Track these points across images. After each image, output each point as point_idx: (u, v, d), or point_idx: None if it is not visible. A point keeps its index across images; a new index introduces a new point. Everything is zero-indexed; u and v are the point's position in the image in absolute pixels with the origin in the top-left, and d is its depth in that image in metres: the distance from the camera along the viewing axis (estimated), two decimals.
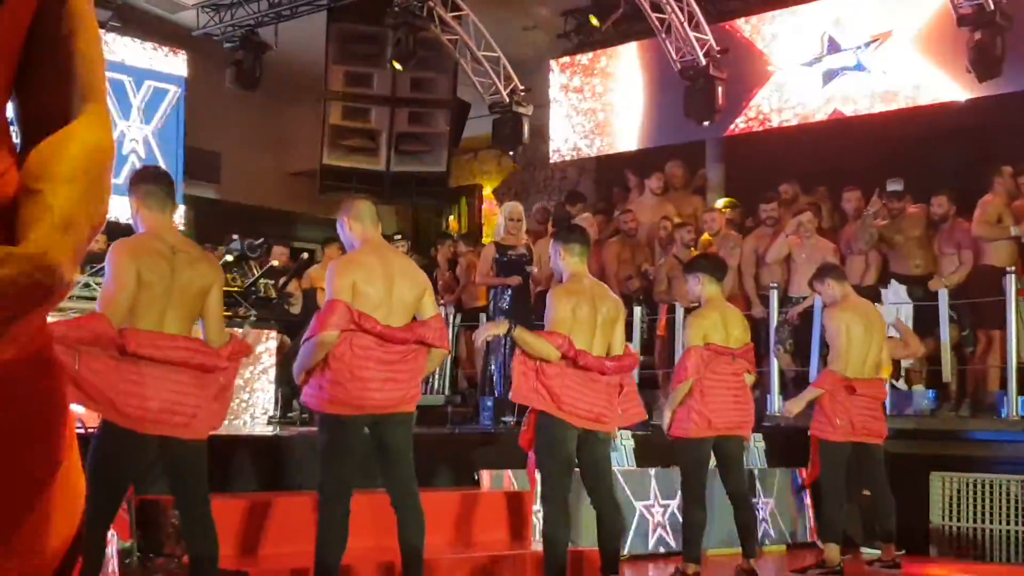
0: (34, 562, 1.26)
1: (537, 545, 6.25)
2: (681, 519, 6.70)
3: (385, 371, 4.98)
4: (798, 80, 11.20)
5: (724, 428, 6.54)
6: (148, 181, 4.74)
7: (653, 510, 7.58)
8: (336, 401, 4.92)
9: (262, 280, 9.32)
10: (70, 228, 1.24)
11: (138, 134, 12.08)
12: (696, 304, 7.07)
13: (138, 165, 11.20)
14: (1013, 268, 8.50)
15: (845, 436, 7.04)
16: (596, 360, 5.66)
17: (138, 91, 12.13)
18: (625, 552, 7.16)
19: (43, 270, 1.20)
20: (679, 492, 7.40)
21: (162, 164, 11.71)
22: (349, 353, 4.91)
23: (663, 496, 7.65)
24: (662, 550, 7.55)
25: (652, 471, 7.71)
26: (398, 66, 12.14)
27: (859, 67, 10.65)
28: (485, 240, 12.31)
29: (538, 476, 5.93)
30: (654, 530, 7.59)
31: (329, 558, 4.89)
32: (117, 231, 11.13)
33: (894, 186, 9.40)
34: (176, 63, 12.84)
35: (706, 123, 11.33)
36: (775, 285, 9.76)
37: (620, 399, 5.87)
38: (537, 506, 6.48)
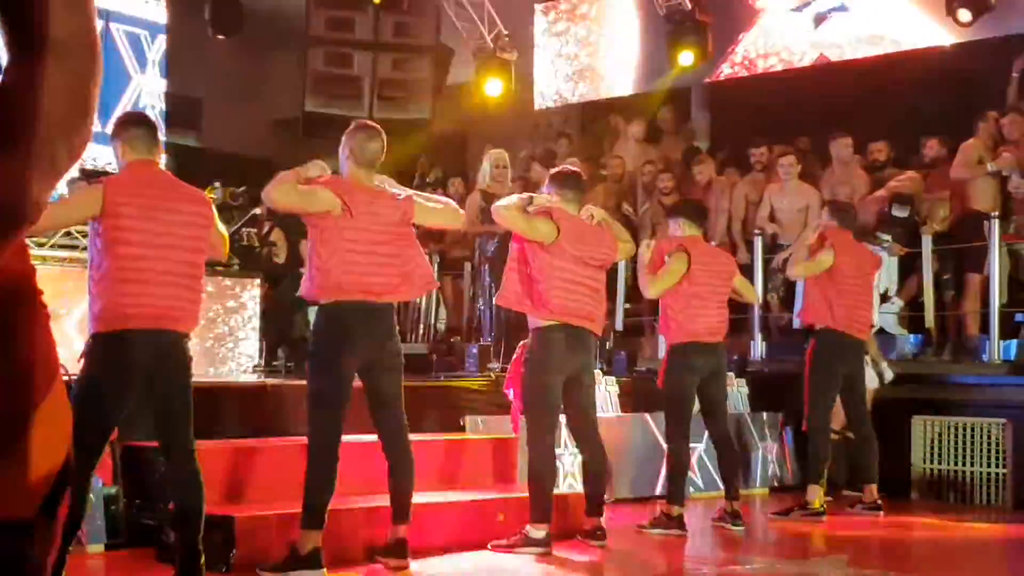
0: (17, 492, 1.26)
1: (522, 489, 6.29)
2: (664, 461, 6.74)
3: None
4: (784, 25, 11.13)
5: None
6: (133, 125, 4.71)
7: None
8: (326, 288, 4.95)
9: (245, 229, 9.28)
10: (47, 152, 1.22)
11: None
12: None
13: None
14: (996, 213, 8.51)
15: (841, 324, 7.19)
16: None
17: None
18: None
19: (15, 195, 1.18)
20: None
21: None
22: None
23: None
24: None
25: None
26: None
27: (842, 8, 10.56)
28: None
29: (523, 421, 5.96)
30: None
31: (317, 503, 4.91)
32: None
33: (900, 212, 9.12)
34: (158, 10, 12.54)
35: (689, 65, 11.26)
36: (759, 232, 9.77)
37: None
38: (522, 450, 6.52)
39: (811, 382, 7.29)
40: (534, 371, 5.75)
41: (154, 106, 11.33)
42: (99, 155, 10.70)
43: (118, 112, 11.06)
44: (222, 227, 4.86)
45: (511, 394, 5.99)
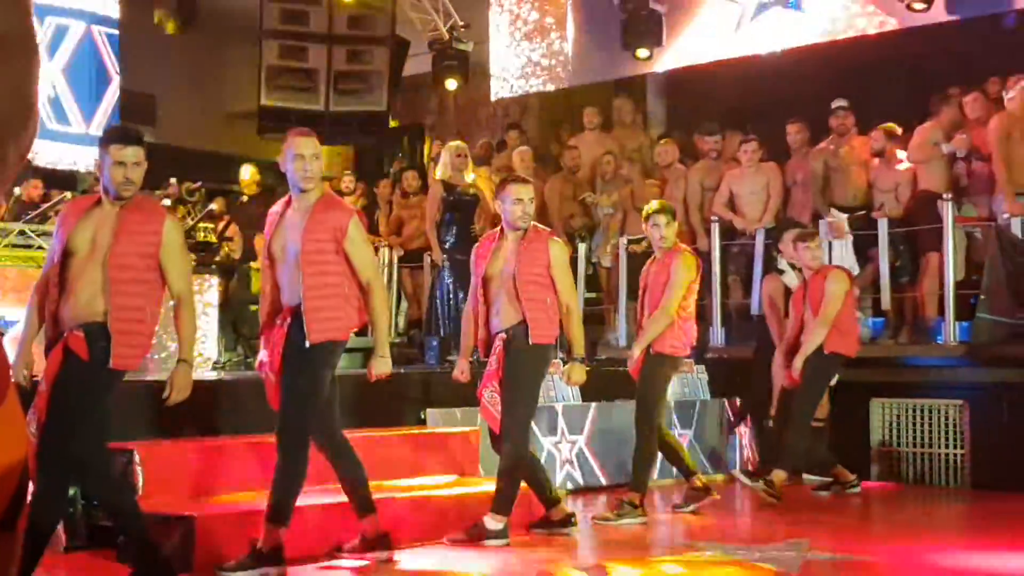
0: None
1: (482, 483, 6.29)
2: (634, 451, 6.74)
3: None
4: (736, 14, 11.14)
5: None
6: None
7: (560, 446, 7.65)
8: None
9: (201, 224, 9.21)
10: None
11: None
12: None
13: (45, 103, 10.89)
14: (950, 195, 8.54)
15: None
16: None
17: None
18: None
19: None
20: (585, 428, 7.55)
21: (75, 104, 11.50)
22: None
23: (571, 432, 7.72)
24: (569, 486, 7.63)
25: (559, 407, 7.76)
26: None
27: (793, 5, 10.55)
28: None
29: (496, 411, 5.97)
30: (561, 466, 7.64)
31: (287, 499, 4.88)
32: (53, 178, 10.85)
33: (839, 103, 9.44)
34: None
35: (645, 56, 11.26)
36: (715, 219, 9.80)
37: None
38: (485, 444, 6.53)
39: (806, 395, 7.28)
40: (536, 376, 5.85)
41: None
42: (79, 157, 10.66)
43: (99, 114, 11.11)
44: None
45: (487, 395, 5.86)
